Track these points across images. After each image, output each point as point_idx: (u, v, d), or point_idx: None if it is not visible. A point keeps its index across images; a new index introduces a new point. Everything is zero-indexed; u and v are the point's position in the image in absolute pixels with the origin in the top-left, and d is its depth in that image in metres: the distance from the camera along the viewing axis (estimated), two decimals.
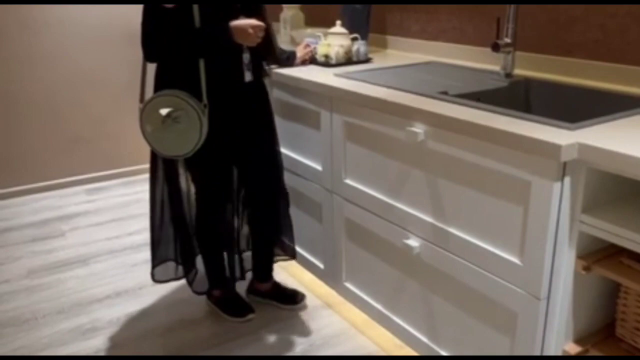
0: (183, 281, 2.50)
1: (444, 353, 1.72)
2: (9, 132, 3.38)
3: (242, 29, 1.80)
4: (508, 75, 1.96)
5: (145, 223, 3.06)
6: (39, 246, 2.86)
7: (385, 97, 1.69)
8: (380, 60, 2.38)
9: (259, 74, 2.02)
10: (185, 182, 2.11)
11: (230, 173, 2.12)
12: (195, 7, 1.78)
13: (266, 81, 2.09)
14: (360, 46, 2.33)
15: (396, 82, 1.91)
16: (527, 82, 1.93)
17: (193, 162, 2.01)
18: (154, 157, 2.05)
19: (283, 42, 3.04)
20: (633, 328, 1.36)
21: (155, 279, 2.18)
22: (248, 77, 1.96)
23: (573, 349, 1.40)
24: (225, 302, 2.27)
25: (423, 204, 1.67)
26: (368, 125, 1.80)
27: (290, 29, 2.99)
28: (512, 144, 1.33)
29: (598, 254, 1.35)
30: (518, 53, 2.02)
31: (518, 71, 2.00)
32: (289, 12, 3.01)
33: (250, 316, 2.22)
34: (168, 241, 2.17)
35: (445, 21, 2.38)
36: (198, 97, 1.84)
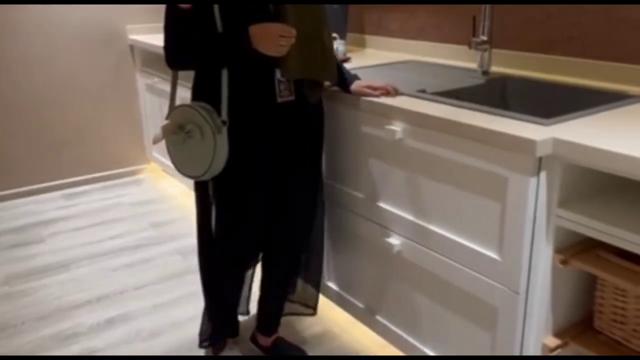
0: (166, 289, 2.48)
1: (427, 350, 1.73)
2: None
3: (263, 34, 1.50)
4: (485, 72, 1.97)
5: (125, 226, 3.03)
6: (18, 252, 2.82)
7: (363, 96, 1.70)
8: (359, 60, 2.38)
9: (306, 93, 1.68)
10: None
11: (260, 218, 1.76)
12: (216, 8, 1.52)
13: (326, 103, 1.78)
14: (338, 45, 2.33)
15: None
16: (504, 79, 1.95)
17: (218, 189, 1.71)
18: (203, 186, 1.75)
19: None
20: (610, 320, 1.37)
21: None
22: (283, 95, 1.63)
23: (552, 342, 1.42)
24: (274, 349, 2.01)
25: (403, 202, 1.67)
26: (347, 125, 1.81)
27: None
28: (489, 140, 1.34)
29: (575, 248, 1.37)
30: (494, 50, 2.04)
31: (495, 68, 2.02)
32: None
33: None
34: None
35: (423, 19, 2.40)
36: (218, 111, 1.58)
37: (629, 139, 1.23)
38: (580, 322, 1.48)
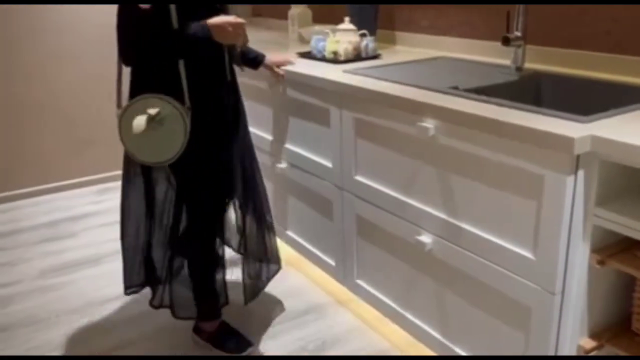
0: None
1: (457, 349, 1.71)
2: (20, 135, 3.40)
3: (221, 27, 1.69)
4: (518, 69, 1.94)
5: None
6: (51, 247, 2.87)
7: (395, 93, 1.69)
8: (389, 56, 2.37)
9: (234, 72, 1.96)
10: (165, 192, 1.99)
11: (226, 178, 2.00)
12: (173, 8, 1.66)
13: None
14: (368, 42, 2.32)
15: (406, 78, 1.91)
16: (538, 75, 1.92)
17: (187, 168, 1.87)
18: (128, 166, 1.95)
19: (292, 40, 3.04)
20: None
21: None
22: (229, 76, 1.90)
23: (588, 343, 1.39)
24: (220, 336, 2.09)
25: (435, 200, 1.66)
26: (378, 122, 1.80)
27: (298, 27, 2.98)
28: (524, 138, 1.32)
29: (613, 248, 1.34)
30: (528, 46, 2.00)
31: (528, 65, 1.99)
32: (296, 9, 3.01)
33: (250, 350, 2.06)
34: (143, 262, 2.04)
35: (454, 16, 2.37)
36: (180, 100, 1.74)
37: None
38: (617, 324, 1.45)
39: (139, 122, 1.71)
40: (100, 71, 3.49)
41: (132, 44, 1.70)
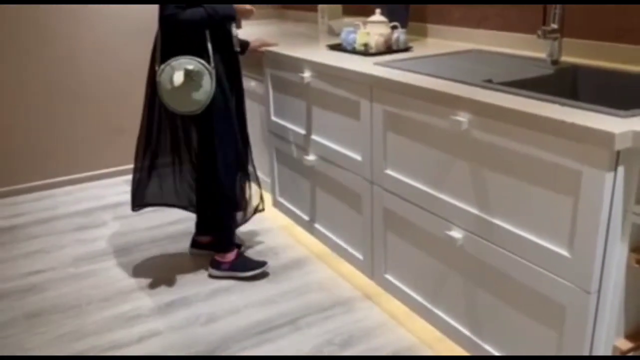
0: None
1: (487, 347, 1.69)
2: (54, 125, 3.46)
3: (246, 11, 2.30)
4: (555, 62, 1.90)
5: (185, 212, 3.09)
6: (82, 235, 2.92)
7: (427, 86, 1.66)
8: (421, 49, 2.34)
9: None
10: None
11: (242, 128, 2.47)
12: None
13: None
14: (399, 34, 2.29)
15: (438, 71, 1.88)
16: (575, 69, 1.87)
17: (216, 115, 2.29)
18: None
19: (321, 32, 3.02)
20: None
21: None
22: (237, 47, 2.36)
23: (624, 344, 1.36)
24: (243, 262, 2.50)
25: (466, 194, 1.63)
26: (409, 115, 1.78)
27: (328, 19, 2.96)
28: (561, 133, 1.29)
29: None
30: (565, 39, 1.96)
31: (565, 58, 1.94)
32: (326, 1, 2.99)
33: (267, 266, 2.49)
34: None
35: (487, 7, 2.32)
36: (208, 61, 2.19)
37: None
38: None
39: (179, 76, 2.13)
40: (131, 62, 3.52)
41: (171, 13, 2.11)
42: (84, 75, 3.45)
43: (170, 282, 2.46)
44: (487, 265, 1.61)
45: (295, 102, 2.47)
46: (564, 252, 1.36)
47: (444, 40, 2.54)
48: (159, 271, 2.55)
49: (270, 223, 2.94)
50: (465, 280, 1.72)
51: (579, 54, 1.98)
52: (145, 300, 2.33)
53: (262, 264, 2.48)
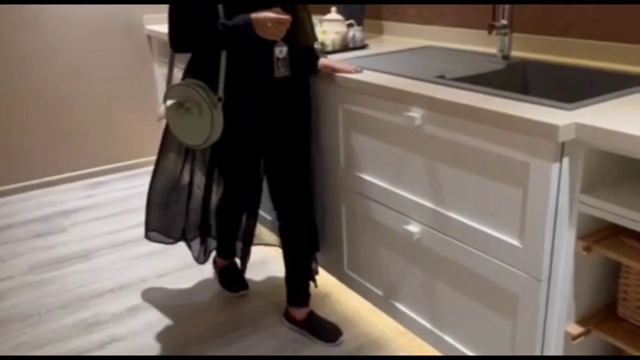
0: (187, 276, 2.50)
1: (446, 337, 1.72)
2: (9, 130, 3.36)
3: (263, 23, 1.66)
4: (505, 57, 1.94)
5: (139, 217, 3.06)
6: (41, 242, 2.86)
7: (381, 83, 1.68)
8: (377, 46, 2.36)
9: (301, 69, 1.88)
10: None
11: (257, 169, 2.07)
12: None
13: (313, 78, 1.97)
14: (356, 32, 2.31)
15: (393, 68, 1.90)
16: (525, 63, 1.92)
17: (218, 152, 2.05)
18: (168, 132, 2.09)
19: None
20: (635, 307, 1.35)
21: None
22: (281, 72, 1.80)
23: (575, 329, 1.40)
24: (226, 274, 2.37)
25: (422, 189, 1.66)
26: (366, 112, 1.79)
27: None
28: (510, 126, 1.32)
29: (598, 234, 1.35)
30: (515, 34, 2.00)
31: (515, 53, 1.99)
32: None
33: (243, 292, 2.33)
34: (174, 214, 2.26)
35: (442, 4, 2.36)
36: (214, 88, 1.77)
37: None
38: (603, 310, 1.46)
39: (160, 110, 1.91)
40: (89, 64, 3.46)
41: (181, 31, 1.75)
42: (34, 80, 3.36)
43: (130, 286, 2.43)
44: (444, 258, 1.64)
45: None
46: (516, 242, 1.39)
47: (400, 37, 2.57)
48: (119, 276, 2.51)
49: None
50: (423, 274, 1.75)
51: (529, 49, 2.03)
52: (106, 305, 2.30)
53: (239, 287, 2.36)
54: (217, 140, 1.82)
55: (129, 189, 3.46)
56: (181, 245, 2.72)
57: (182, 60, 2.03)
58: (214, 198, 2.25)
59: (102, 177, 3.65)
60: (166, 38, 3.29)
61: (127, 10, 3.48)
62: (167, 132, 2.08)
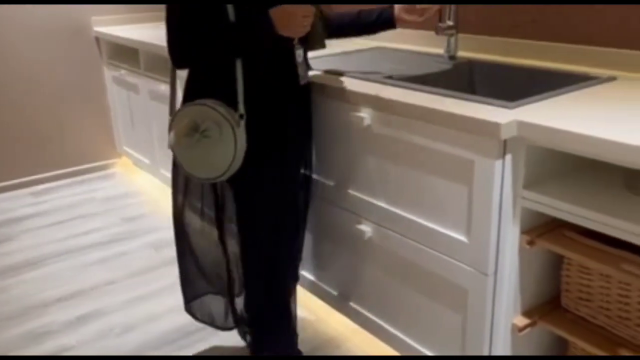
0: (139, 283, 2.46)
1: (400, 335, 1.74)
2: None
3: (287, 18, 1.43)
4: (452, 57, 1.98)
5: (96, 222, 3.00)
6: None
7: (330, 83, 1.69)
8: (327, 47, 2.36)
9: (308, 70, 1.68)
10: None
11: (290, 210, 1.74)
12: None
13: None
14: None
15: (343, 68, 1.91)
16: (470, 63, 1.96)
17: (243, 190, 1.63)
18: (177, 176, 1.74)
19: None
20: (576, 298, 1.40)
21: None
22: (304, 78, 1.61)
23: (521, 321, 1.44)
24: None
25: (373, 188, 1.68)
26: (316, 112, 1.80)
27: None
28: (455, 125, 1.35)
29: (541, 228, 1.39)
30: (461, 35, 2.04)
31: (462, 53, 2.03)
32: None
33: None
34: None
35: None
36: (233, 106, 1.50)
37: (590, 120, 1.25)
38: (548, 301, 1.51)
39: (176, 134, 1.51)
40: (35, 68, 3.36)
41: (184, 41, 1.48)
42: None
43: (82, 294, 2.37)
44: (395, 256, 1.66)
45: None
46: (463, 238, 1.43)
47: (351, 38, 2.58)
48: (70, 284, 2.45)
49: None
50: (376, 272, 1.77)
51: (475, 49, 2.08)
52: (56, 315, 2.24)
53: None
54: (240, 174, 1.52)
55: (79, 195, 3.37)
56: (134, 251, 2.69)
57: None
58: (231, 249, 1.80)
59: (50, 183, 3.55)
60: (115, 40, 3.24)
61: (74, 11, 3.39)
62: (179, 171, 1.69)
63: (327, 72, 1.84)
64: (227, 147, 1.48)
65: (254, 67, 1.50)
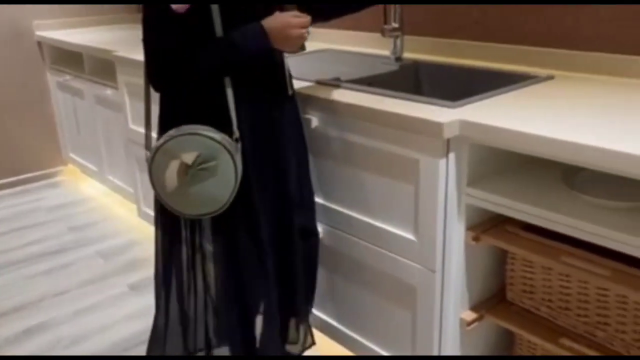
0: (88, 293, 2.40)
1: (352, 334, 1.75)
2: None
3: (284, 30, 1.32)
4: (398, 59, 2.01)
5: (42, 232, 2.90)
6: None
7: None
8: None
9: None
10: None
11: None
12: (215, 8, 1.28)
13: None
14: None
15: (292, 71, 1.91)
16: (416, 64, 2.00)
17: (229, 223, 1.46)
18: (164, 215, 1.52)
19: None
20: (521, 291, 1.44)
21: None
22: (291, 88, 1.51)
23: (469, 316, 1.47)
24: None
25: (323, 190, 1.69)
26: None
27: None
28: (401, 125, 1.37)
29: (486, 224, 1.43)
30: (407, 37, 2.08)
31: (407, 54, 2.06)
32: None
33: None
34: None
35: None
36: (226, 129, 1.35)
37: (529, 118, 1.29)
38: (494, 295, 1.54)
39: (172, 175, 1.30)
40: None
41: (164, 63, 1.31)
42: None
43: (28, 307, 2.29)
44: (346, 256, 1.67)
45: (154, 110, 2.40)
46: (411, 236, 1.45)
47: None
48: (16, 297, 2.36)
49: (138, 234, 2.84)
50: (327, 272, 1.77)
51: (420, 50, 2.11)
52: (1, 329, 2.16)
53: None
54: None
55: (23, 205, 3.26)
56: (81, 260, 2.62)
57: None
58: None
59: None
60: (59, 45, 3.15)
61: (14, 15, 3.28)
62: (166, 212, 1.44)
63: None
64: (227, 177, 1.32)
65: (242, 82, 1.38)
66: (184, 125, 1.33)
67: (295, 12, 1.37)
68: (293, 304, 1.64)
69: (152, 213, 2.63)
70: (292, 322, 1.68)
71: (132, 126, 2.58)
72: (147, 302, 2.29)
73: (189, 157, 1.28)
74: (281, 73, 1.47)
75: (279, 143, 1.47)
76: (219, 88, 1.34)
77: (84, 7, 3.52)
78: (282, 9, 1.38)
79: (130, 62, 2.40)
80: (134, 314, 2.23)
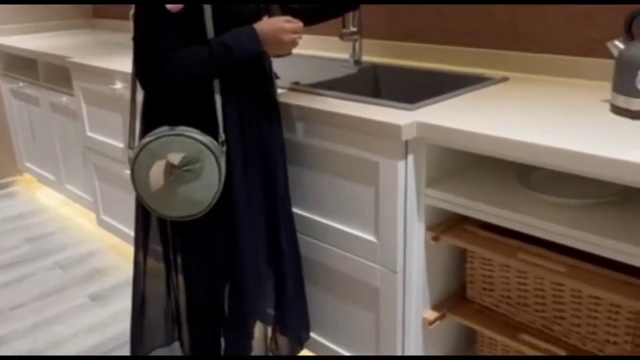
0: (47, 305, 2.34)
1: (317, 337, 1.75)
2: None
3: (276, 34, 1.33)
4: (357, 62, 2.03)
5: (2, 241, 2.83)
6: None
7: None
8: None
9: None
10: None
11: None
12: (208, 8, 1.29)
13: None
14: None
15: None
16: (375, 67, 2.02)
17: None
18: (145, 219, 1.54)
19: None
20: (480, 289, 1.47)
21: None
22: (276, 91, 1.52)
23: (431, 315, 1.49)
24: None
25: None
26: None
27: None
28: (360, 128, 1.39)
29: (445, 224, 1.45)
30: (365, 40, 2.10)
31: (366, 58, 2.08)
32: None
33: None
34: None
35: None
36: (211, 132, 1.35)
37: (484, 119, 1.32)
38: (455, 294, 1.57)
39: (156, 175, 1.30)
40: None
41: (155, 60, 1.29)
42: None
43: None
44: (309, 259, 1.68)
45: (112, 116, 2.36)
46: (372, 238, 1.46)
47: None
48: None
49: (98, 243, 2.78)
50: None
51: (378, 54, 2.13)
52: None
53: None
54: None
55: None
56: (39, 272, 2.55)
57: None
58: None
59: None
60: (12, 51, 3.07)
61: None
62: (146, 214, 1.51)
63: None
64: (211, 180, 1.33)
65: (231, 86, 1.38)
66: (169, 125, 1.33)
67: (288, 17, 1.38)
68: (265, 311, 1.65)
69: (111, 221, 2.60)
70: (259, 326, 1.68)
71: (90, 133, 2.53)
72: (108, 312, 2.25)
73: (175, 158, 1.29)
74: (269, 76, 1.48)
75: (267, 145, 1.48)
76: (207, 89, 1.35)
77: (37, 12, 3.43)
78: (270, 14, 1.41)
79: (86, 68, 2.35)
80: (95, 325, 2.18)
